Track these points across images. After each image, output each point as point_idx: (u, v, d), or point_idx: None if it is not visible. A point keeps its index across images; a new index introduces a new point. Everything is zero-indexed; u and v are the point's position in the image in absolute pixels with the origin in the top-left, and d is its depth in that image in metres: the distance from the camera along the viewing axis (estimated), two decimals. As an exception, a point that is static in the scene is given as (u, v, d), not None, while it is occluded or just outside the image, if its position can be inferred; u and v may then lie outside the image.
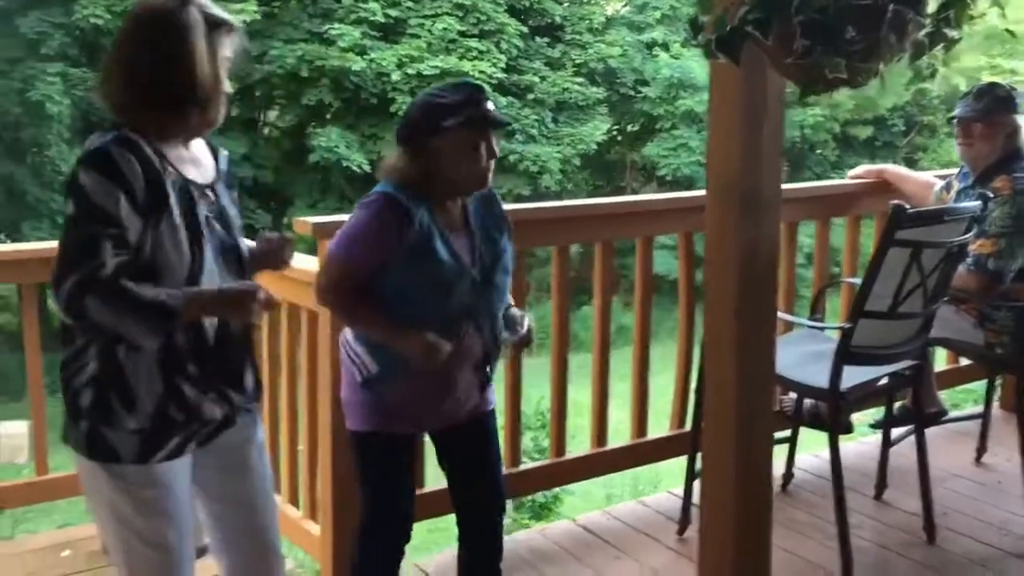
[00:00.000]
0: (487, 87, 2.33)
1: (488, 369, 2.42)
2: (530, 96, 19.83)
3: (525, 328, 2.43)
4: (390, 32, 19.05)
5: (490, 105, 2.29)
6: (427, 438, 2.59)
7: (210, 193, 1.97)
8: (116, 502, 1.92)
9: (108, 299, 1.77)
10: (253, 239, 2.17)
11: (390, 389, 2.35)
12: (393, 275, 2.27)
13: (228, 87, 1.94)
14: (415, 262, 2.25)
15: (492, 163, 2.32)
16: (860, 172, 3.98)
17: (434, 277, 2.27)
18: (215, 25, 1.91)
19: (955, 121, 3.49)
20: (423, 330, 2.24)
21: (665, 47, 20.99)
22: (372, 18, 18.54)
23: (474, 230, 2.36)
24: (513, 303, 2.51)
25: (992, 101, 3.40)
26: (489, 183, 2.35)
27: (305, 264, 2.94)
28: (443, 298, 2.28)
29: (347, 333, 2.42)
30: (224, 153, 2.10)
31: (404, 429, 2.42)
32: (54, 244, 1.92)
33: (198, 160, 2.00)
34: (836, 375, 2.79)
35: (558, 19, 20.80)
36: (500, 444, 2.62)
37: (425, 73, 18.24)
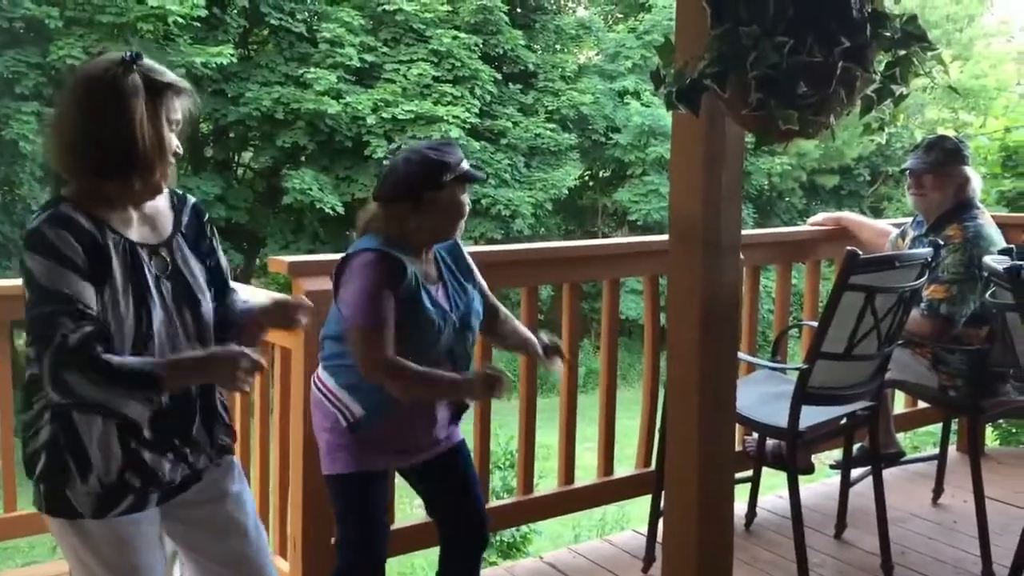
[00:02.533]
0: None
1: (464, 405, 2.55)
2: (503, 141, 20.03)
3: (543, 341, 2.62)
4: (365, 77, 19.22)
5: (469, 162, 2.48)
6: (399, 479, 2.65)
7: (163, 252, 1.97)
8: (82, 556, 1.93)
9: (86, 372, 1.78)
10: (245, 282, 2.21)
11: (377, 429, 2.42)
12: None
13: (177, 148, 1.93)
14: (405, 313, 2.36)
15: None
16: (819, 219, 4.12)
17: (424, 326, 2.38)
18: (160, 88, 1.89)
19: (907, 172, 3.63)
20: None
21: (636, 95, 21.34)
22: (348, 63, 18.70)
23: (447, 280, 2.50)
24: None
25: (941, 153, 3.54)
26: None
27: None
28: (431, 344, 2.39)
29: (326, 378, 2.46)
30: (191, 203, 2.08)
31: (380, 465, 2.48)
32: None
33: (152, 218, 1.99)
34: (794, 415, 2.87)
35: (531, 66, 21.09)
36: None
37: (400, 117, 18.40)
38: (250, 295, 2.26)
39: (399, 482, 2.79)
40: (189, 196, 2.11)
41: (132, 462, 1.91)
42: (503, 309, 2.67)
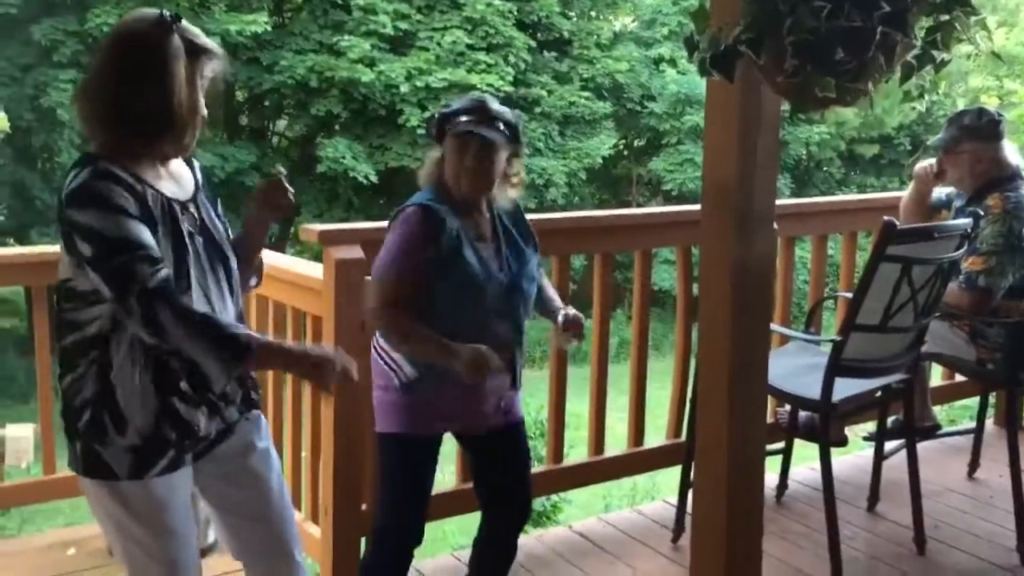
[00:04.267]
0: (495, 99, 2.44)
1: (516, 369, 2.51)
2: (537, 110, 19.91)
3: (566, 313, 2.51)
4: (399, 44, 19.16)
5: (480, 121, 2.38)
6: (454, 442, 2.65)
7: (192, 208, 1.99)
8: (118, 517, 1.95)
9: (177, 311, 1.80)
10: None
11: (428, 391, 2.43)
12: (430, 283, 2.38)
13: (204, 112, 1.95)
14: (448, 268, 2.36)
15: (488, 177, 2.42)
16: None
17: (466, 282, 2.37)
18: (197, 52, 1.91)
19: None
20: (461, 337, 2.34)
21: (672, 63, 21.09)
22: (382, 30, 18.64)
23: (502, 240, 2.48)
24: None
25: (957, 130, 3.46)
26: (481, 196, 2.46)
27: (310, 270, 3.02)
28: (475, 303, 2.39)
29: (382, 341, 2.49)
30: (197, 164, 2.11)
31: (435, 430, 2.49)
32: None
33: (176, 176, 2.01)
34: (827, 387, 2.84)
35: (566, 34, 20.90)
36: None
37: (433, 85, 18.34)
38: None
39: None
40: (193, 159, 2.11)
41: (168, 413, 1.92)
42: (544, 277, 2.66)
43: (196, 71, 1.91)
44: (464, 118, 2.39)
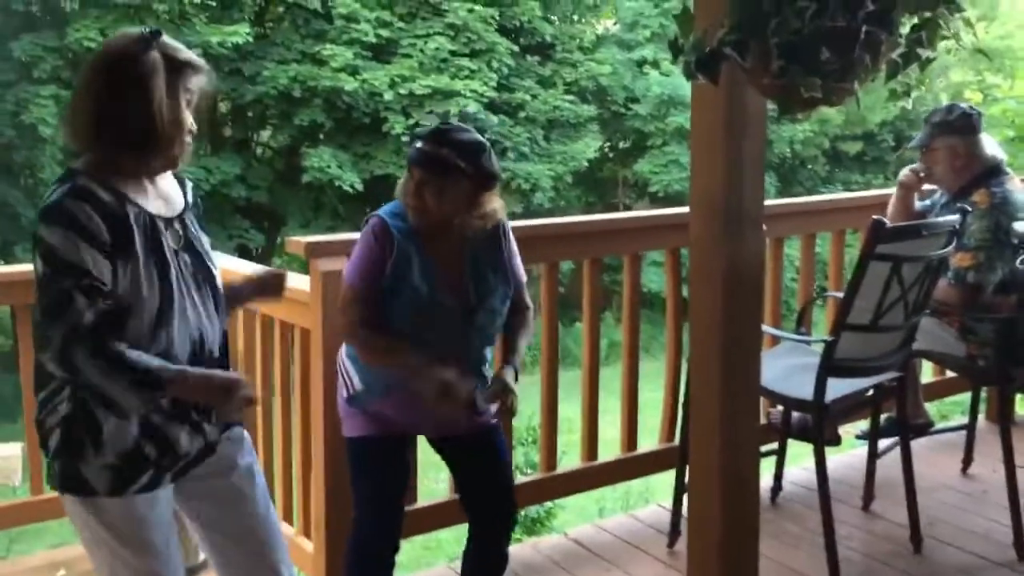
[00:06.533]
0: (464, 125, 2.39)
1: (476, 405, 2.46)
2: (521, 114, 19.89)
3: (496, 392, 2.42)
4: (382, 52, 19.11)
5: (428, 147, 2.33)
6: (431, 451, 2.63)
7: (177, 225, 1.99)
8: (99, 534, 1.93)
9: (95, 353, 1.78)
10: (246, 259, 2.22)
11: (376, 404, 2.44)
12: (385, 297, 2.37)
13: (193, 126, 1.95)
14: (396, 286, 2.34)
15: (425, 207, 2.35)
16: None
17: (411, 306, 2.35)
18: (178, 66, 1.91)
19: None
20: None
21: (655, 65, 21.12)
22: (364, 39, 18.60)
23: (467, 268, 2.42)
24: (506, 366, 2.48)
25: (930, 128, 3.49)
26: (424, 225, 2.37)
27: (298, 283, 2.99)
28: (424, 327, 2.35)
29: (342, 348, 2.51)
30: (189, 183, 2.11)
31: (392, 432, 2.48)
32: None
33: (165, 193, 2.01)
34: (820, 387, 2.83)
35: (548, 38, 20.90)
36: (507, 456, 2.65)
37: (417, 92, 18.30)
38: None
39: (423, 459, 2.78)
40: (186, 177, 2.13)
41: (147, 430, 1.90)
42: (523, 318, 2.55)
43: (179, 85, 1.90)
44: (419, 144, 2.35)
